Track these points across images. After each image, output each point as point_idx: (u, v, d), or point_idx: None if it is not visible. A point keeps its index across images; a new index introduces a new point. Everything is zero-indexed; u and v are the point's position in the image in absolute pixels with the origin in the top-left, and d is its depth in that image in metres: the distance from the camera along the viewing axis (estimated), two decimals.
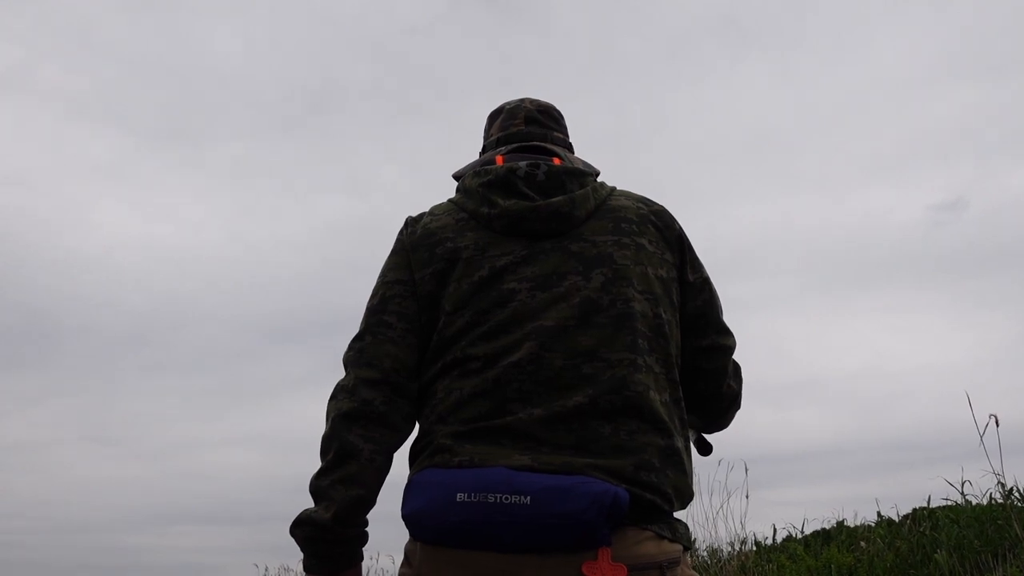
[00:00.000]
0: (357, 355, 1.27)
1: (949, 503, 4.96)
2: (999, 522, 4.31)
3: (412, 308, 1.28)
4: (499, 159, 1.39)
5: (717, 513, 5.97)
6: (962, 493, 4.87)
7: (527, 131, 1.48)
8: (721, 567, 5.70)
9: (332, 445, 1.22)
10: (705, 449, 1.51)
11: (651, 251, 1.29)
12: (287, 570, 8.30)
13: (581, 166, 1.42)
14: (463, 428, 1.17)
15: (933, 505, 5.34)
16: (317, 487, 1.22)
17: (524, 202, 1.29)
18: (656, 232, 1.32)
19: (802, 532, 6.44)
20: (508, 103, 1.54)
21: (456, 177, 1.47)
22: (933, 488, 6.16)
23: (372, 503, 1.24)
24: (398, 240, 1.37)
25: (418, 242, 1.32)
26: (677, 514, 1.22)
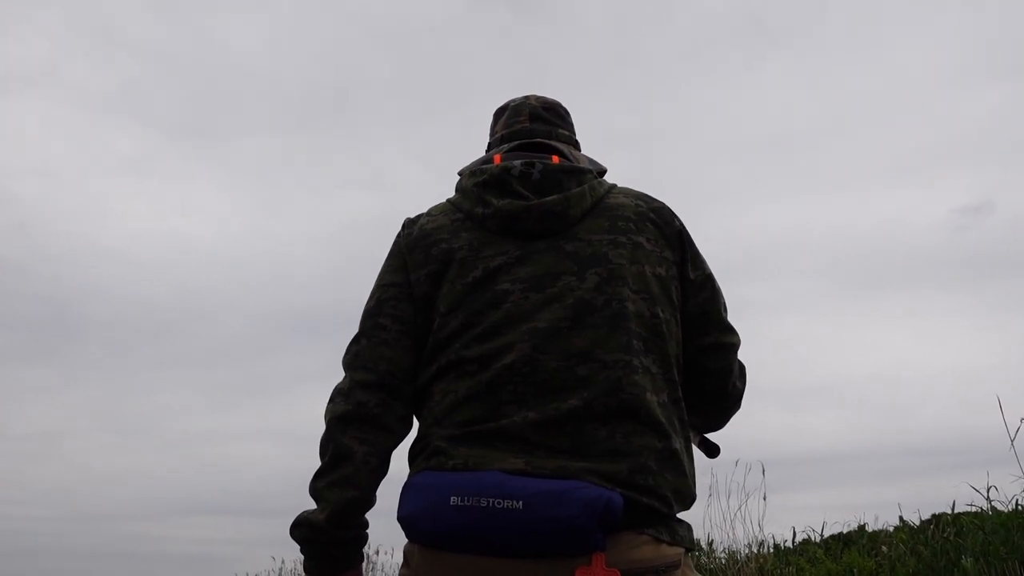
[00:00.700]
0: (353, 358, 1.29)
1: (975, 509, 4.88)
2: None
3: (407, 310, 1.29)
4: (497, 158, 1.38)
5: (735, 515, 5.91)
6: (988, 499, 4.78)
7: (531, 128, 1.47)
8: (739, 569, 5.65)
9: (328, 448, 1.24)
10: (712, 451, 1.47)
11: (649, 249, 1.27)
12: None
13: (586, 163, 1.40)
14: (458, 431, 1.17)
15: (958, 511, 5.26)
16: (314, 489, 1.23)
17: (518, 201, 1.28)
18: (655, 229, 1.30)
19: (821, 535, 6.37)
20: (513, 100, 1.53)
21: (461, 174, 1.46)
22: (957, 494, 6.07)
23: (368, 504, 1.24)
24: (395, 242, 1.37)
25: (414, 243, 1.32)
26: (684, 515, 1.20)
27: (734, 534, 5.86)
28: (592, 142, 1.61)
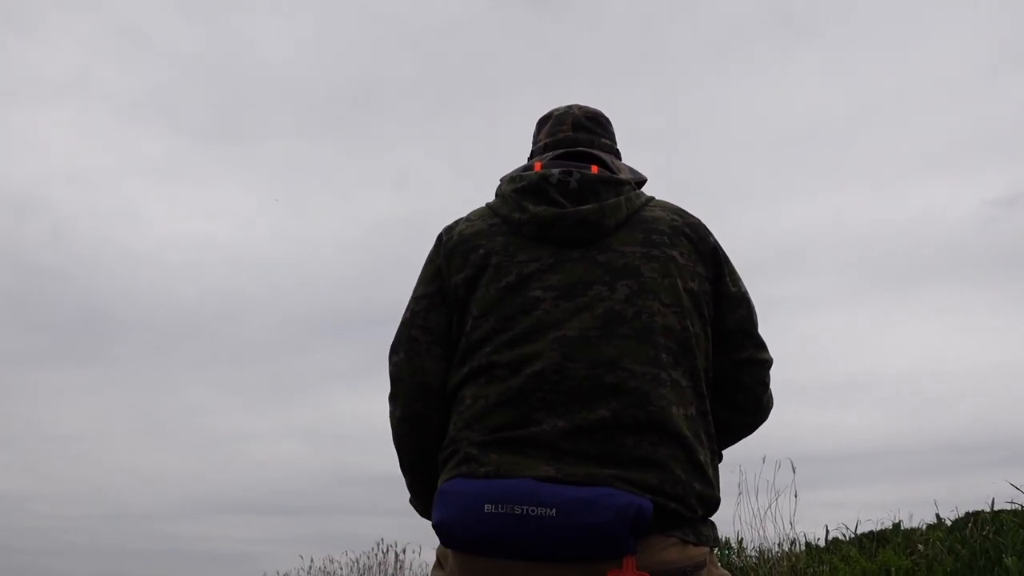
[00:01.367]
0: (395, 370, 1.35)
1: (1015, 507, 4.76)
2: None
3: (436, 320, 1.33)
4: (537, 165, 1.40)
5: (765, 513, 5.83)
6: None
7: (575, 137, 1.49)
8: (771, 568, 5.57)
9: (397, 451, 1.39)
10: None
11: (682, 263, 1.29)
12: (332, 561, 8.40)
13: (627, 173, 1.43)
14: (488, 437, 1.20)
15: (996, 508, 5.14)
16: (406, 479, 1.41)
17: (553, 208, 1.30)
18: (689, 244, 1.32)
19: (855, 533, 6.26)
20: (557, 109, 1.55)
21: (501, 181, 1.49)
22: (996, 491, 5.93)
23: (435, 469, 1.30)
24: (431, 252, 1.40)
25: (453, 249, 1.35)
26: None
27: (764, 532, 5.79)
28: (618, 141, 1.60)
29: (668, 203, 1.39)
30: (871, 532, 6.32)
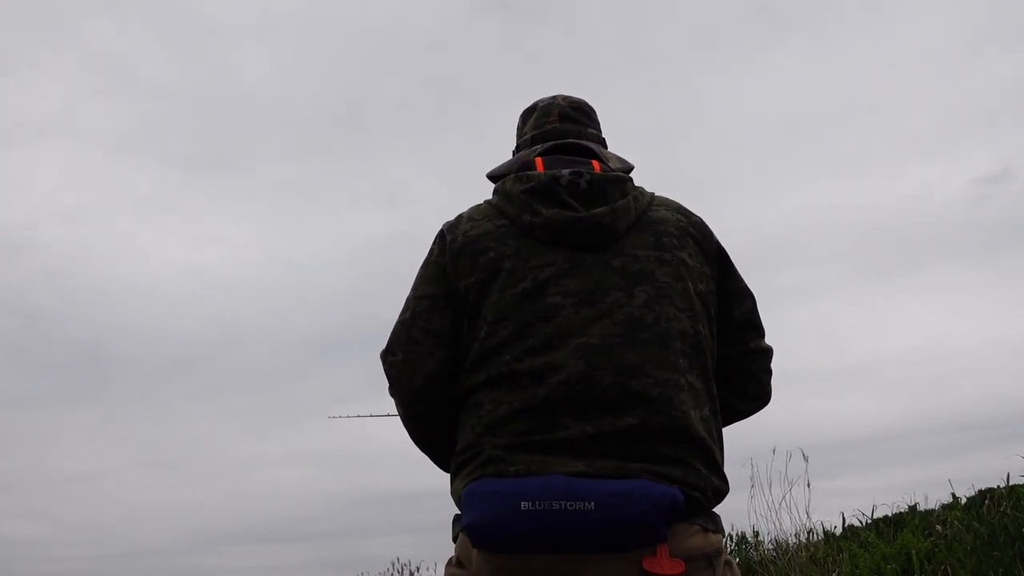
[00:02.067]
0: (392, 371, 1.36)
1: None
2: None
3: (439, 323, 1.32)
4: (538, 162, 1.39)
5: (780, 504, 5.79)
6: None
7: (562, 128, 1.49)
8: (789, 559, 5.53)
9: (411, 437, 1.42)
10: None
11: (692, 265, 1.31)
12: None
13: (615, 163, 1.44)
14: (515, 440, 1.20)
15: (1012, 483, 5.11)
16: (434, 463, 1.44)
17: (567, 212, 1.29)
18: (695, 245, 1.34)
19: (871, 519, 6.23)
20: (541, 100, 1.55)
21: (491, 177, 1.49)
22: (1009, 466, 5.90)
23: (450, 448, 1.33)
24: (434, 251, 1.37)
25: (459, 251, 1.32)
26: (720, 507, 1.28)
27: (780, 524, 5.75)
28: (607, 139, 1.59)
29: (670, 201, 1.40)
30: (887, 516, 6.30)
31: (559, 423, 1.19)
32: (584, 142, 1.46)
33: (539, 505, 1.11)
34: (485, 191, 1.46)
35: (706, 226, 1.38)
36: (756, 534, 6.23)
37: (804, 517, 5.70)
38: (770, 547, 5.95)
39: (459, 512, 1.28)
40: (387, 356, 1.37)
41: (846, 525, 6.31)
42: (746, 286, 1.40)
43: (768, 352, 1.43)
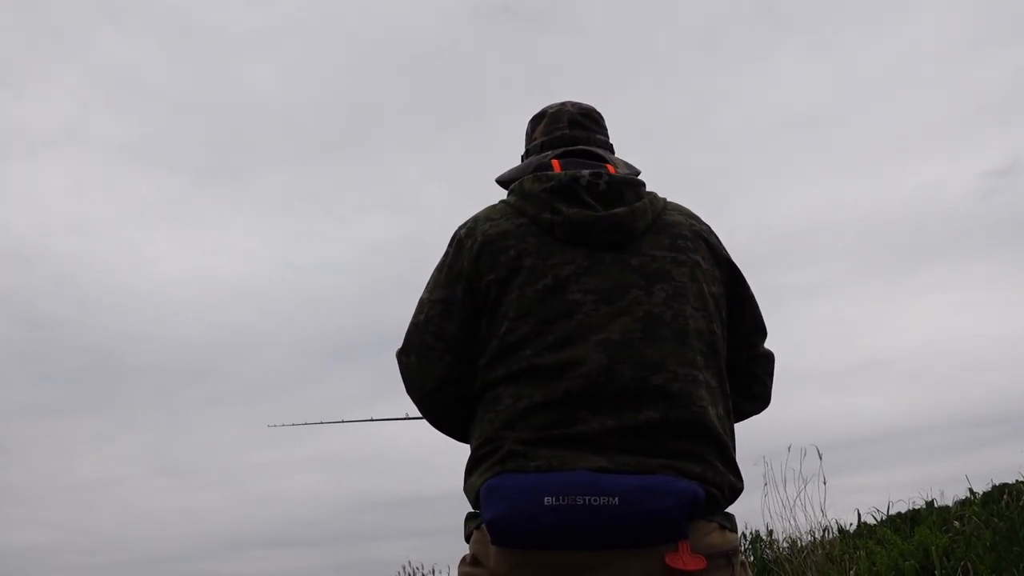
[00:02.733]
0: (407, 372, 1.40)
1: None
2: None
3: (450, 328, 1.33)
4: (556, 164, 1.41)
5: (795, 502, 5.75)
6: None
7: (571, 135, 1.51)
8: (805, 557, 5.49)
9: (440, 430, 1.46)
10: None
11: (705, 268, 1.34)
12: None
13: (623, 168, 1.47)
14: (535, 435, 1.20)
15: None
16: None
17: (587, 211, 1.31)
18: (708, 249, 1.37)
19: (887, 515, 6.18)
20: (550, 107, 1.56)
21: (501, 182, 1.53)
22: None
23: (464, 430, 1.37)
24: (451, 254, 1.38)
25: (481, 249, 1.32)
26: (734, 507, 1.29)
27: (795, 522, 5.71)
28: (613, 141, 1.60)
29: (681, 206, 1.43)
30: (900, 513, 6.25)
31: (579, 417, 1.19)
32: (594, 148, 1.48)
33: (563, 500, 1.11)
34: (491, 195, 1.47)
35: (715, 234, 1.42)
36: (771, 532, 6.20)
37: (819, 515, 5.67)
38: (785, 545, 5.91)
39: (472, 510, 1.28)
40: (402, 357, 1.40)
41: (861, 522, 6.26)
42: (753, 292, 1.43)
43: (772, 357, 1.48)
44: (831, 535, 5.73)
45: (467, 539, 1.27)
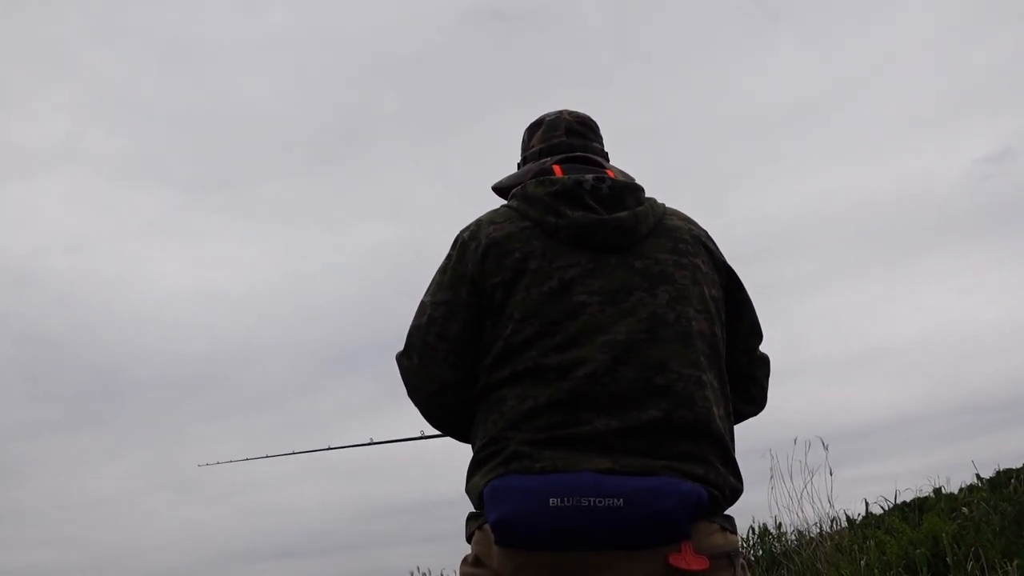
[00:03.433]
0: (408, 374, 1.40)
1: None
2: None
3: (454, 329, 1.33)
4: (557, 169, 1.43)
5: (802, 494, 5.73)
6: None
7: (569, 142, 1.53)
8: (814, 549, 5.48)
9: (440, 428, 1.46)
10: None
11: (705, 271, 1.36)
12: None
13: (621, 175, 1.48)
14: (540, 436, 1.20)
15: None
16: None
17: (591, 215, 1.32)
18: (707, 253, 1.39)
19: (895, 504, 6.16)
20: (547, 115, 1.59)
21: (497, 188, 1.55)
22: None
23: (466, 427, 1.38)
24: (454, 256, 1.38)
25: (486, 252, 1.33)
26: (736, 507, 1.31)
27: (803, 513, 5.70)
28: (605, 142, 1.62)
29: (679, 211, 1.45)
30: (906, 502, 6.23)
31: (583, 418, 1.20)
32: (591, 155, 1.50)
33: (568, 502, 1.12)
34: (487, 197, 1.50)
35: (712, 239, 1.44)
36: (779, 525, 6.18)
37: (827, 506, 5.66)
38: (793, 538, 5.90)
39: (474, 510, 1.28)
40: (403, 359, 1.40)
41: (869, 512, 6.24)
42: (749, 296, 1.46)
43: (768, 359, 1.51)
44: (839, 526, 5.73)
45: (468, 539, 1.28)
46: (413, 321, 1.39)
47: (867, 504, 6.32)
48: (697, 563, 1.12)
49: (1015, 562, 4.01)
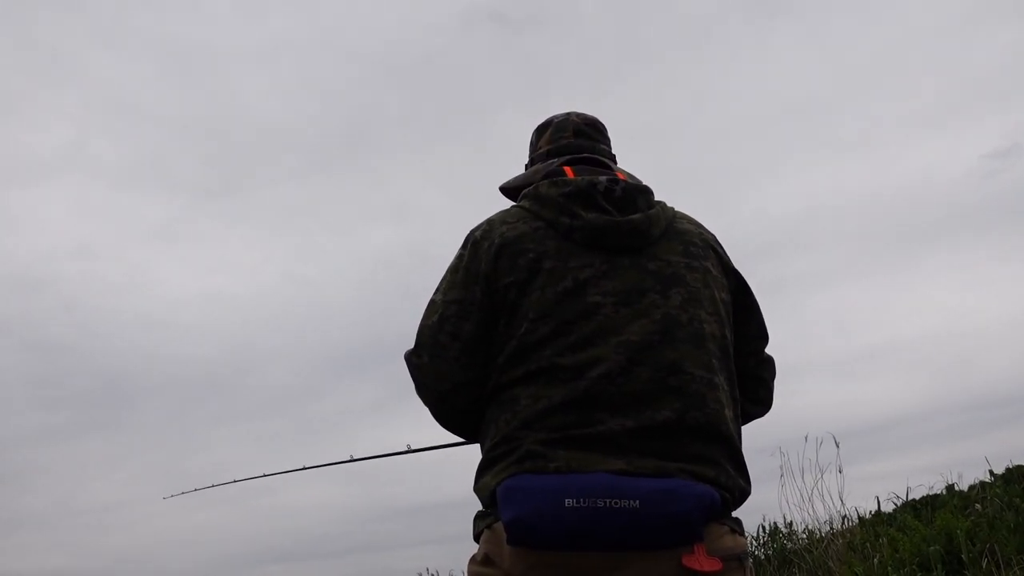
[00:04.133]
0: (418, 373, 1.39)
1: None
2: None
3: (466, 328, 1.33)
4: (568, 170, 1.42)
5: (812, 492, 5.69)
6: None
7: (577, 144, 1.54)
8: (826, 547, 5.44)
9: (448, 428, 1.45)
10: None
11: (715, 275, 1.37)
12: None
13: (629, 178, 1.47)
14: (553, 435, 1.20)
15: None
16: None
17: (605, 216, 1.33)
18: (716, 257, 1.40)
19: (906, 501, 6.12)
20: (556, 116, 1.59)
21: (505, 189, 1.56)
22: None
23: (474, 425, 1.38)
24: (466, 255, 1.37)
25: (499, 251, 1.33)
26: (743, 508, 1.31)
27: (814, 511, 5.66)
28: (612, 138, 1.62)
29: (688, 215, 1.46)
30: (915, 499, 6.20)
31: (597, 418, 1.20)
32: (599, 157, 1.51)
33: (583, 502, 1.11)
34: (491, 200, 1.51)
35: (720, 244, 1.46)
36: (789, 524, 6.14)
37: (838, 503, 5.62)
38: (804, 537, 5.86)
39: (482, 509, 1.28)
40: (412, 358, 1.39)
41: (881, 509, 6.20)
42: (756, 300, 1.47)
43: (774, 361, 1.53)
44: (850, 523, 5.69)
45: (476, 538, 1.28)
46: (423, 319, 1.38)
47: (879, 501, 6.28)
48: (710, 565, 1.13)
49: None
